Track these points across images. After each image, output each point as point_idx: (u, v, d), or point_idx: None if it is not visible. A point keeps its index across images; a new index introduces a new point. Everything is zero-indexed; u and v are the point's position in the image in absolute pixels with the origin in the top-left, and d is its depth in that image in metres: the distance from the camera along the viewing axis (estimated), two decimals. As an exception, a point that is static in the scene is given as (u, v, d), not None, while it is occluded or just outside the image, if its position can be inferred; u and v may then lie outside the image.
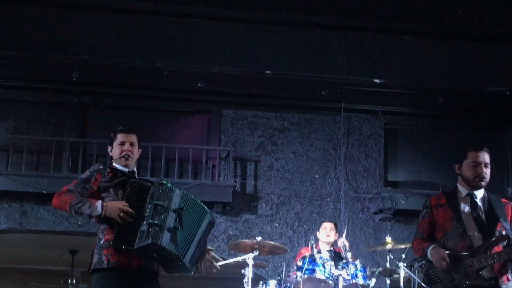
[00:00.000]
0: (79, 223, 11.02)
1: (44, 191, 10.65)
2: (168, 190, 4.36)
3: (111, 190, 4.50)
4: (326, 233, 8.43)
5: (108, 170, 4.56)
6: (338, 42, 11.82)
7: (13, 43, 11.04)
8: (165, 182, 4.39)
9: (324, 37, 11.83)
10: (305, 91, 11.71)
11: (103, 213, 4.36)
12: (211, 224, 4.59)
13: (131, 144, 4.63)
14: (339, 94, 11.76)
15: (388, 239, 8.15)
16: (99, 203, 4.36)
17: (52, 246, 12.79)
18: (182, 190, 4.42)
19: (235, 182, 11.45)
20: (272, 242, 8.19)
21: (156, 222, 4.25)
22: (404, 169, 12.09)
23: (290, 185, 11.72)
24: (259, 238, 7.89)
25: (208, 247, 4.57)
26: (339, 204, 11.67)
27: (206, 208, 4.53)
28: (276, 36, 11.75)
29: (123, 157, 4.60)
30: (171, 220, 4.31)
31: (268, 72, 11.50)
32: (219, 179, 11.47)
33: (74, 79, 11.17)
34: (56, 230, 11.04)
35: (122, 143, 4.64)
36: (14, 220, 10.97)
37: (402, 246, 7.97)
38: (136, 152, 4.66)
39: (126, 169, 4.59)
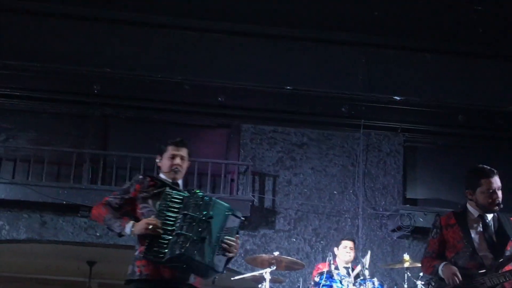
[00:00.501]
0: (98, 234, 11.08)
1: (64, 202, 10.79)
2: (198, 199, 4.35)
3: (149, 200, 4.50)
4: (347, 251, 8.44)
5: (149, 179, 4.55)
6: (359, 59, 11.75)
7: (36, 55, 11.09)
8: (197, 191, 4.39)
9: (344, 53, 11.79)
10: (325, 107, 11.69)
11: (132, 233, 4.39)
12: (236, 216, 4.54)
13: (181, 158, 4.62)
14: (358, 111, 11.71)
15: (406, 257, 8.15)
16: (129, 224, 4.38)
17: (70, 257, 12.86)
18: (213, 199, 4.40)
19: (253, 196, 11.42)
20: (289, 258, 8.22)
21: (184, 232, 4.25)
22: (423, 187, 12.02)
23: (308, 201, 11.65)
24: (276, 253, 7.90)
25: (236, 236, 4.54)
26: (357, 221, 11.58)
27: (226, 204, 4.49)
28: (297, 52, 11.71)
29: (173, 170, 4.59)
30: (199, 229, 4.29)
31: (288, 88, 11.49)
32: (237, 194, 11.43)
33: (95, 91, 11.24)
34: (75, 241, 11.09)
35: (173, 157, 4.63)
36: (33, 230, 11.02)
37: (420, 264, 7.87)
38: (185, 166, 4.65)
39: (169, 180, 4.57)
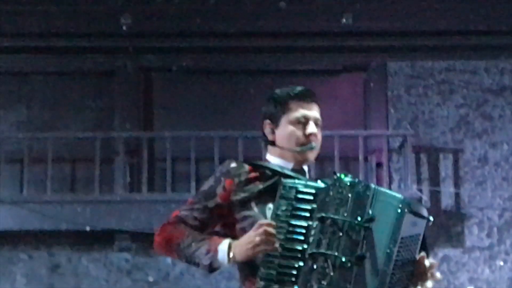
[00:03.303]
0: (151, 279, 10.85)
1: (88, 229, 10.56)
2: (345, 190, 3.80)
3: (252, 205, 3.98)
4: None
5: (248, 168, 4.06)
6: None
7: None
8: (342, 177, 3.81)
9: None
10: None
11: (230, 260, 3.90)
12: (416, 215, 3.93)
13: (316, 123, 4.10)
14: None
15: None
16: (223, 246, 3.90)
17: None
18: (374, 187, 3.83)
19: (421, 191, 11.05)
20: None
21: (323, 251, 3.76)
22: None
23: None
24: (471, 289, 7.60)
25: (420, 254, 4.00)
26: None
27: (396, 195, 3.89)
28: None
29: (307, 147, 4.05)
30: (352, 244, 3.80)
31: None
32: (390, 187, 10.87)
33: (124, 28, 10.96)
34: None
35: (305, 120, 4.09)
36: (38, 279, 10.86)
37: None
38: (320, 139, 4.20)
39: (289, 165, 4.08)
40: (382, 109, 11.44)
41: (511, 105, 11.44)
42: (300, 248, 3.86)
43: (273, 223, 3.91)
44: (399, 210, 3.92)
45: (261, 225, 3.89)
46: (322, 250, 3.81)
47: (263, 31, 11.26)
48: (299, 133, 4.09)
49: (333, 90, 11.42)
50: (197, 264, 4.01)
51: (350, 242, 3.83)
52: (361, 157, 10.83)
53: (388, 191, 4.06)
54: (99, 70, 11.65)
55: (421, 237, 4.01)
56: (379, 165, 11.10)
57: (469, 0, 11.20)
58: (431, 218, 4.02)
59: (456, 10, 11.21)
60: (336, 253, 3.79)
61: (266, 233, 3.84)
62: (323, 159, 10.82)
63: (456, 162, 11.32)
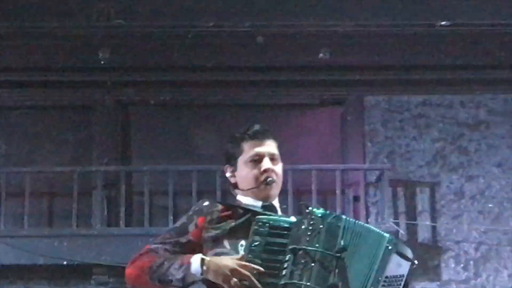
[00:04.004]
0: None
1: (65, 263, 10.55)
2: (318, 222, 3.90)
3: (225, 241, 4.12)
4: None
5: (220, 207, 4.23)
6: None
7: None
8: (313, 210, 3.93)
9: None
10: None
11: (203, 273, 3.96)
12: (402, 256, 3.96)
13: (272, 158, 4.24)
14: None
15: None
16: (195, 258, 4.00)
17: None
18: (345, 218, 3.94)
19: (397, 225, 11.03)
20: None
21: (295, 281, 3.84)
22: None
23: (496, 224, 11.22)
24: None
25: None
26: None
27: (382, 232, 3.97)
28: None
29: (265, 183, 4.17)
30: (323, 273, 3.85)
31: (443, 23, 10.92)
32: (367, 221, 10.79)
33: (102, 61, 10.96)
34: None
35: (258, 158, 4.24)
36: None
37: None
38: (281, 172, 4.30)
39: (259, 203, 4.23)
40: (359, 143, 11.50)
41: (486, 139, 11.46)
42: (274, 282, 3.90)
43: (261, 269, 3.92)
44: (385, 249, 3.96)
45: (249, 268, 3.91)
46: (295, 281, 3.84)
47: (241, 66, 11.28)
48: (255, 172, 4.18)
49: (311, 124, 11.54)
50: (170, 282, 4.04)
51: (322, 271, 3.88)
52: (338, 191, 10.84)
53: (376, 229, 4.11)
54: (77, 104, 11.68)
55: (404, 279, 4.04)
56: (356, 198, 11.12)
57: (444, 35, 11.24)
58: (416, 262, 4.09)
59: (431, 45, 11.30)
60: (308, 283, 3.83)
61: (241, 272, 3.88)
62: (301, 193, 10.95)
63: (432, 195, 11.34)
